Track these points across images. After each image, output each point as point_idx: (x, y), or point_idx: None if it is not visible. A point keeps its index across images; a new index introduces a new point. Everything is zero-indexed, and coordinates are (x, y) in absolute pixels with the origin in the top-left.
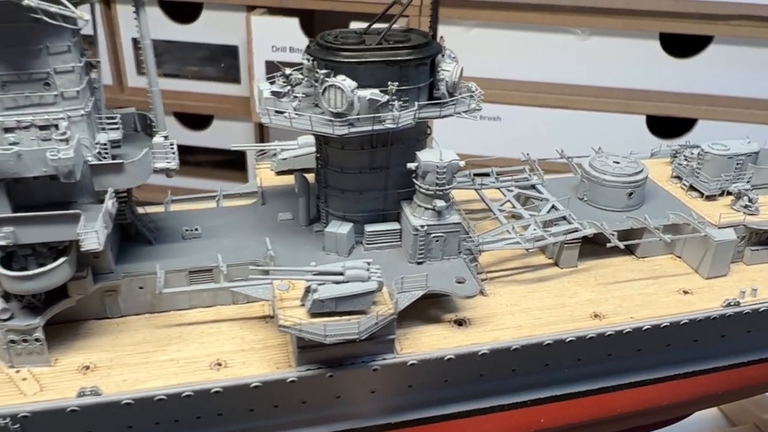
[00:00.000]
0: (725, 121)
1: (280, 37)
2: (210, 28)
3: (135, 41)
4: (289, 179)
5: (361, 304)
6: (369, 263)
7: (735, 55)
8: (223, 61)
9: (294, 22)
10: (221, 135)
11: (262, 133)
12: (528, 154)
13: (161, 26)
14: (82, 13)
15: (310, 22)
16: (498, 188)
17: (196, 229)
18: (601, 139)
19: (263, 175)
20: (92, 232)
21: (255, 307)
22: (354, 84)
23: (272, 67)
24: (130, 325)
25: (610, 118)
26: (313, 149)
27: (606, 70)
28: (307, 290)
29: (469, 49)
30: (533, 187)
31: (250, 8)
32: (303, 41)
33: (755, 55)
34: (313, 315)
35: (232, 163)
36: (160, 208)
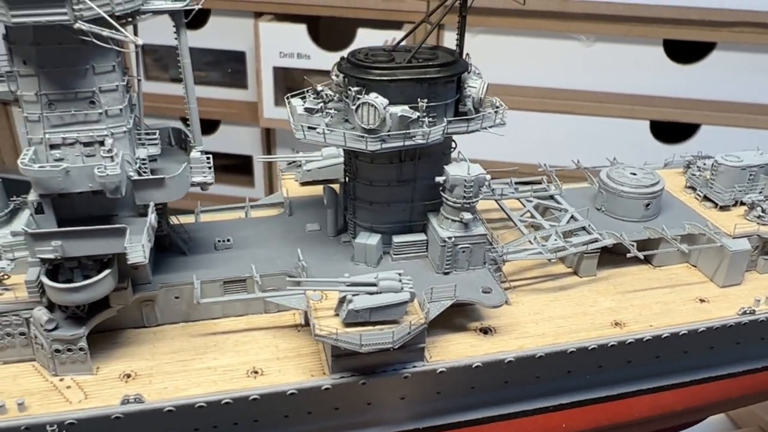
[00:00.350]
0: (728, 126)
1: (288, 44)
2: (218, 33)
3: (143, 48)
4: (314, 190)
5: (394, 314)
6: (400, 274)
7: (737, 61)
8: (230, 67)
9: (302, 29)
10: (228, 139)
11: (269, 138)
12: (545, 165)
13: (168, 32)
14: (136, 37)
15: (316, 28)
16: (518, 198)
17: (228, 240)
18: (605, 144)
19: (288, 186)
20: (138, 246)
21: (286, 316)
22: (386, 101)
23: (279, 73)
24: (167, 334)
25: (614, 123)
26: (337, 161)
27: (610, 76)
28: (342, 300)
29: (473, 55)
30: (551, 197)
31: (258, 14)
32: (310, 48)
33: (757, 61)
34: (348, 324)
35: (239, 168)
36: (190, 218)
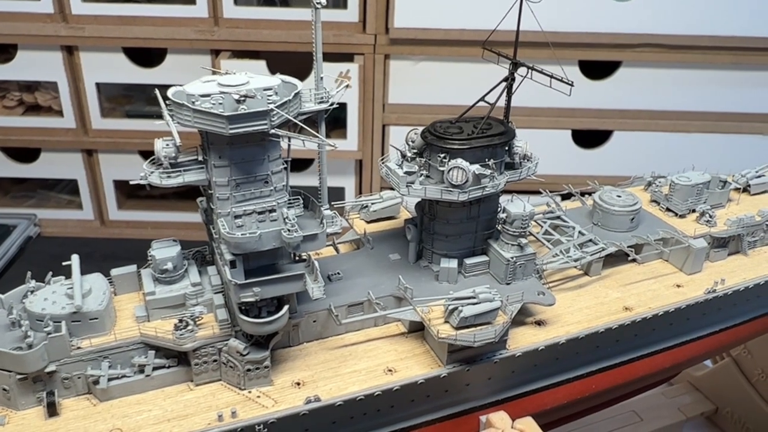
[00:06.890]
0: (635, 131)
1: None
2: (176, 71)
3: (98, 86)
4: (378, 226)
5: (489, 318)
6: (489, 288)
7: (640, 75)
8: None
9: (261, 65)
10: None
11: None
12: (547, 191)
13: (125, 71)
14: (333, 141)
15: (275, 63)
16: (534, 221)
17: (339, 273)
18: (537, 151)
19: (359, 224)
20: (318, 285)
21: (391, 327)
22: (468, 163)
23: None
24: (309, 350)
25: (542, 134)
26: (394, 201)
27: (535, 93)
28: (452, 310)
29: (416, 79)
30: (558, 217)
31: (215, 52)
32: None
33: (656, 75)
34: (458, 328)
35: (189, 193)
36: None
